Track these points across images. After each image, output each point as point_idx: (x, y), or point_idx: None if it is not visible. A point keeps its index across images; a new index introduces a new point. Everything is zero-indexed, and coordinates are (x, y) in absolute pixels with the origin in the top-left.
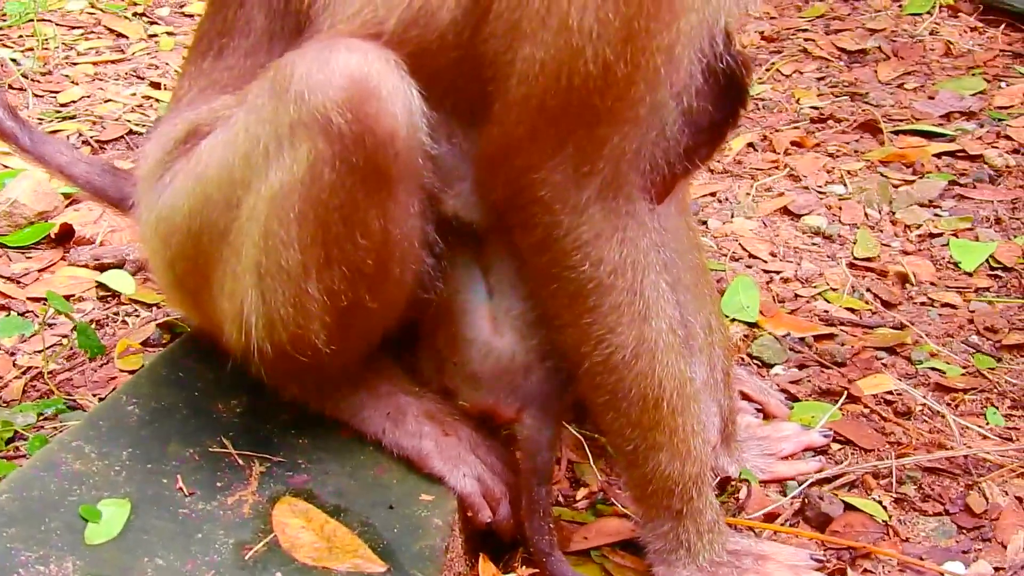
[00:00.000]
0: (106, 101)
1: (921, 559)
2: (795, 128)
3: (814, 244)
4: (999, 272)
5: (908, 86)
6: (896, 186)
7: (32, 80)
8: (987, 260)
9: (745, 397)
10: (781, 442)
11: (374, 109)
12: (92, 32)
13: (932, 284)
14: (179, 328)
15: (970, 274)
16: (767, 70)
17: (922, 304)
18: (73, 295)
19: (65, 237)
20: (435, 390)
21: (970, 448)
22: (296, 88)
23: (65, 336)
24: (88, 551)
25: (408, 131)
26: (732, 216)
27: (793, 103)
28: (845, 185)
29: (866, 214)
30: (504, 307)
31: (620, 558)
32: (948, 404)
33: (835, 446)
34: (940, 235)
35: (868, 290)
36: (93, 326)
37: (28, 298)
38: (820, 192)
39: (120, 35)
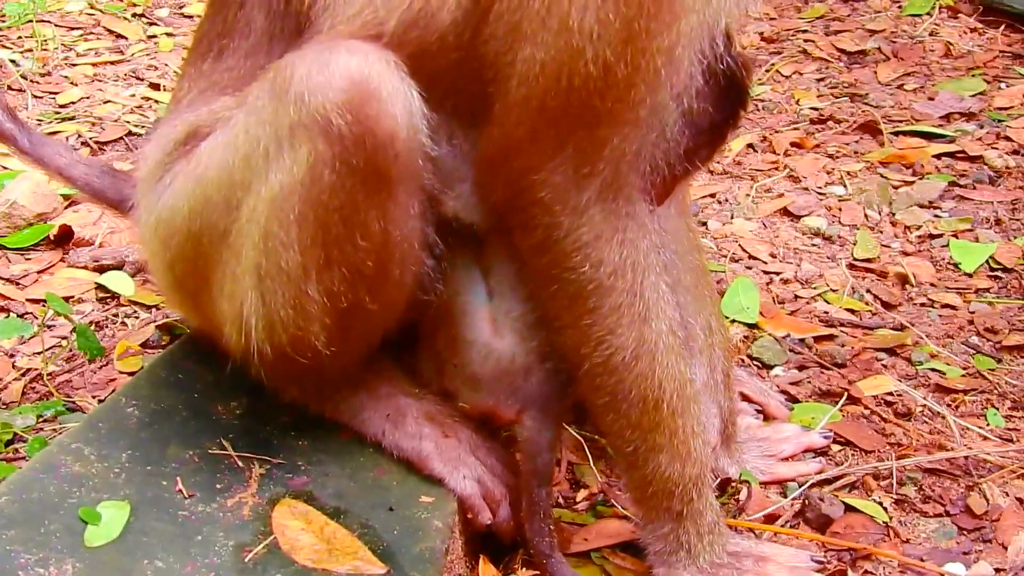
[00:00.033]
0: (105, 102)
1: (922, 560)
2: (795, 129)
3: (814, 245)
4: (999, 273)
5: (908, 87)
6: (896, 187)
7: (31, 81)
8: (987, 261)
9: (745, 398)
10: (781, 443)
11: (374, 111)
12: (91, 33)
13: (932, 285)
14: (179, 330)
15: (970, 275)
16: (767, 71)
17: (922, 305)
18: (72, 297)
19: (64, 239)
20: (435, 392)
21: (970, 449)
22: (296, 90)
23: (64, 338)
24: (88, 553)
25: (408, 133)
26: (732, 217)
27: (793, 104)
28: (845, 186)
29: (866, 215)
30: (504, 309)
31: (620, 560)
32: (948, 405)
33: (835, 447)
34: (940, 236)
35: (868, 291)
36: (92, 328)
37: (27, 300)
38: (820, 193)
39: (119, 36)
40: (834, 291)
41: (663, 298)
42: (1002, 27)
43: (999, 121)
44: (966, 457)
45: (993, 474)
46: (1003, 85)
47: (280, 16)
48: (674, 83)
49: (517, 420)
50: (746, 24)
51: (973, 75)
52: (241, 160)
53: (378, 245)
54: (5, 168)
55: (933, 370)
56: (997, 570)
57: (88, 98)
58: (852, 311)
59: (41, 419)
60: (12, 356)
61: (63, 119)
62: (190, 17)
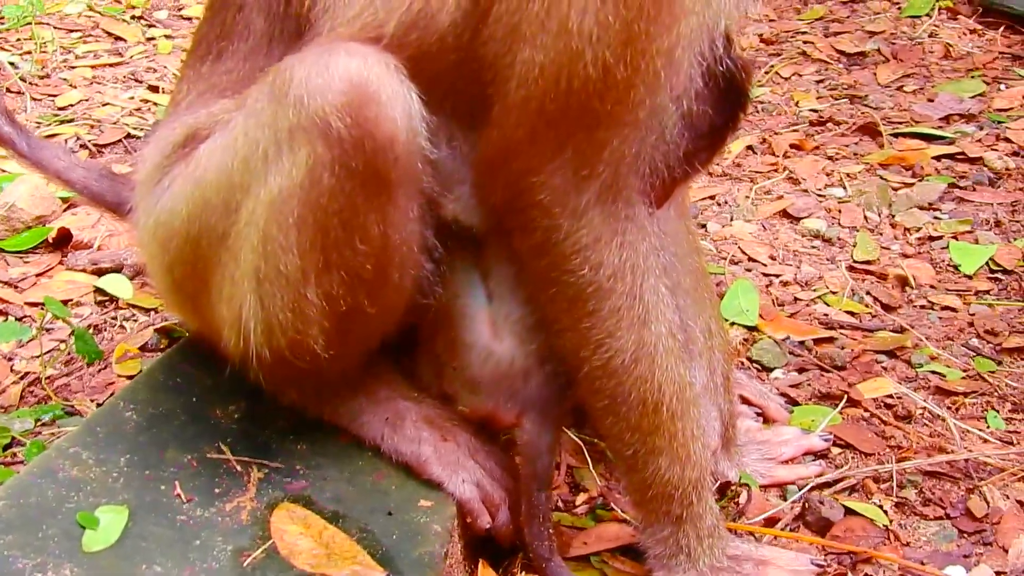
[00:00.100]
0: (104, 104)
1: (922, 563)
2: (794, 131)
3: (814, 247)
4: (999, 275)
5: (907, 88)
6: (896, 189)
7: (30, 83)
8: (987, 263)
9: (745, 401)
10: (781, 446)
11: (373, 113)
12: (90, 35)
13: (932, 287)
14: (177, 333)
15: (970, 277)
16: (766, 73)
17: (922, 307)
18: (71, 300)
19: (63, 241)
20: (434, 395)
21: (971, 452)
22: (295, 92)
23: (63, 341)
24: (86, 558)
25: (408, 135)
26: (731, 219)
27: (792, 106)
28: (844, 188)
29: (865, 217)
30: (503, 312)
31: (620, 563)
32: (948, 408)
33: (835, 450)
34: (940, 238)
35: (868, 293)
36: (91, 331)
37: (26, 303)
38: (819, 195)
39: (118, 38)
40: (834, 293)
41: (663, 301)
42: (1002, 28)
43: (999, 122)
44: (966, 460)
45: (993, 477)
46: (1003, 86)
47: (279, 18)
48: (674, 85)
49: (516, 423)
50: (745, 26)
51: (973, 76)
52: (240, 163)
53: (377, 248)
54: (4, 171)
55: (933, 372)
56: (998, 573)
57: (87, 100)
58: (852, 313)
59: (39, 423)
60: (10, 359)
61: (62, 121)
62: (189, 19)
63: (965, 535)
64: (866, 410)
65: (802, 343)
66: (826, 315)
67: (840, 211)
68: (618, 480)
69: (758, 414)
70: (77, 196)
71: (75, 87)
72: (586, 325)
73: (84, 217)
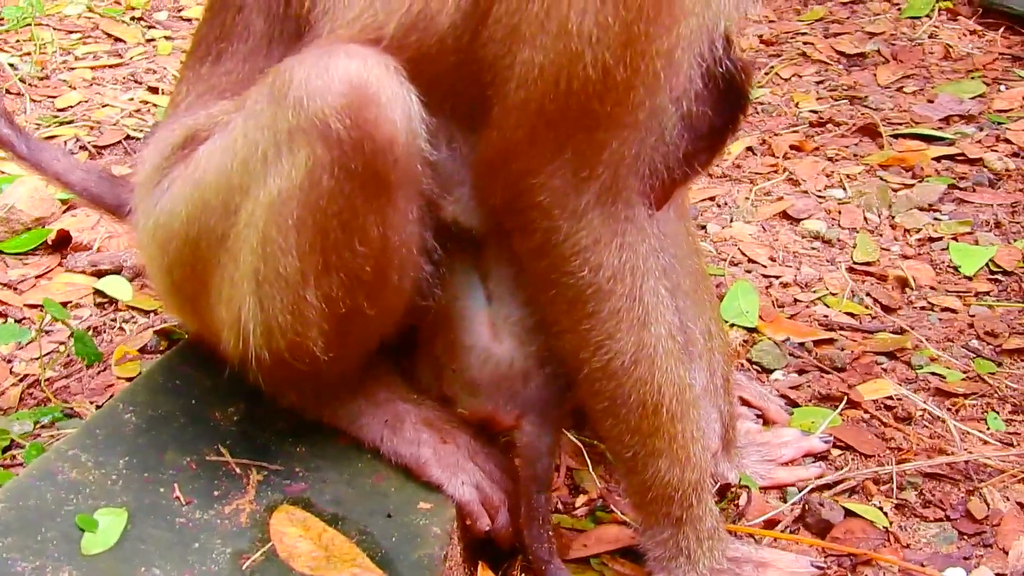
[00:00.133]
0: (104, 106)
1: (922, 565)
2: (794, 132)
3: (813, 248)
4: (999, 276)
5: (907, 89)
6: (895, 190)
7: (30, 85)
8: (987, 264)
9: (745, 403)
10: (781, 448)
11: (373, 115)
12: (90, 36)
13: (932, 288)
14: (176, 335)
15: (970, 278)
16: (766, 74)
17: (922, 308)
18: (70, 302)
19: (62, 243)
20: (434, 397)
21: (971, 453)
22: (295, 94)
23: (62, 343)
24: (85, 561)
25: (407, 137)
26: (731, 221)
27: (792, 107)
28: (844, 189)
29: (865, 218)
30: (503, 313)
31: (620, 565)
32: (948, 409)
33: (835, 452)
34: (940, 239)
35: (868, 295)
36: (90, 333)
37: (25, 305)
38: (819, 196)
39: (118, 39)
40: (834, 295)
41: (662, 302)
42: (1002, 29)
43: (999, 123)
44: (966, 461)
45: (993, 478)
46: (1003, 87)
47: (279, 20)
48: (673, 86)
49: (516, 425)
50: (745, 27)
51: (973, 77)
52: (239, 164)
53: (377, 250)
54: (3, 172)
55: (933, 374)
56: (998, 575)
57: (86, 102)
58: (852, 315)
59: (38, 425)
60: (10, 361)
61: (61, 123)
62: (189, 20)
63: (965, 537)
64: (866, 412)
65: (802, 344)
66: (826, 316)
67: (840, 212)
68: (618, 482)
69: (758, 416)
70: (76, 198)
71: (75, 88)
72: (586, 327)
73: (83, 219)
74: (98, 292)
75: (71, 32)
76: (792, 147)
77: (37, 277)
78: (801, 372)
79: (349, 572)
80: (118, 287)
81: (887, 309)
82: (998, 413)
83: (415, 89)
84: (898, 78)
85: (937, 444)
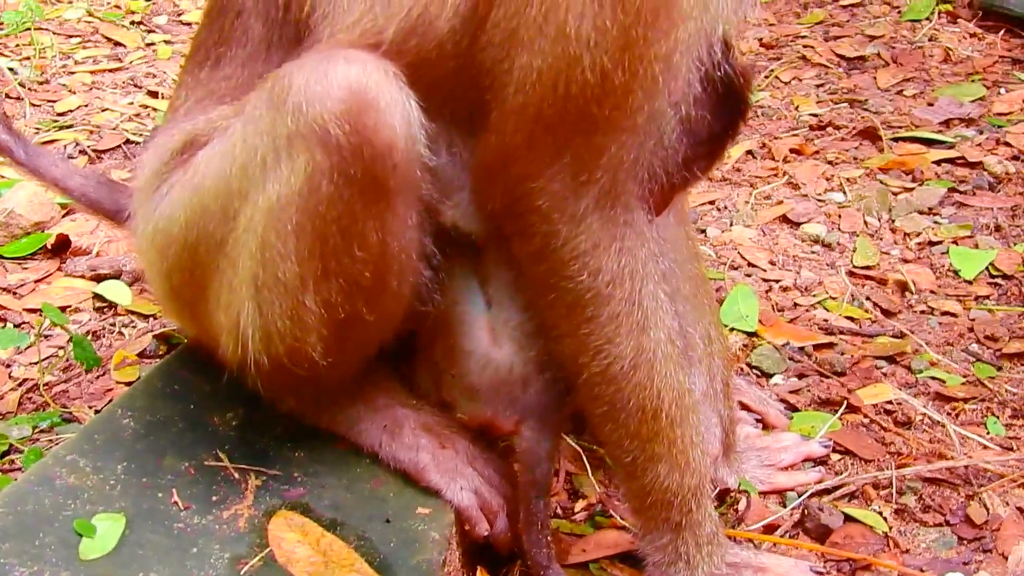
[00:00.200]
0: (103, 110)
1: (922, 571)
2: (794, 135)
3: (813, 252)
4: (999, 280)
5: (907, 93)
6: (895, 193)
7: (29, 89)
8: (987, 268)
9: (744, 407)
10: (780, 453)
11: (372, 121)
12: (89, 41)
13: (932, 292)
14: (175, 339)
15: (970, 282)
16: (766, 77)
17: (922, 312)
18: (69, 306)
19: (61, 248)
20: (433, 402)
21: (971, 458)
22: (294, 99)
23: (61, 348)
24: (82, 566)
25: (406, 143)
26: (731, 224)
27: (792, 110)
28: (844, 193)
29: (865, 222)
30: (502, 318)
31: (619, 570)
32: (948, 414)
33: (835, 456)
34: (940, 243)
35: (868, 299)
36: (89, 337)
37: (24, 309)
38: (819, 200)
39: (117, 44)
40: (833, 299)
41: (661, 307)
42: (1002, 32)
43: (999, 127)
44: (966, 466)
45: (993, 483)
46: (1003, 90)
47: (278, 24)
48: (672, 90)
49: (515, 430)
50: (745, 30)
51: (973, 80)
52: (238, 170)
53: (376, 256)
54: (2, 177)
55: (933, 378)
56: None
57: (86, 106)
58: (852, 319)
59: (37, 430)
60: (8, 366)
61: (61, 127)
62: (188, 24)
63: (965, 542)
64: (866, 416)
65: (802, 349)
66: (826, 321)
67: (840, 216)
68: (617, 487)
69: (758, 420)
70: (75, 204)
71: (74, 93)
72: (585, 331)
73: (83, 223)
74: (97, 296)
75: (71, 36)
76: (792, 151)
77: (36, 281)
78: (801, 376)
79: None
80: (117, 291)
81: (887, 313)
82: (998, 417)
83: (414, 94)
84: (898, 81)
85: (937, 449)
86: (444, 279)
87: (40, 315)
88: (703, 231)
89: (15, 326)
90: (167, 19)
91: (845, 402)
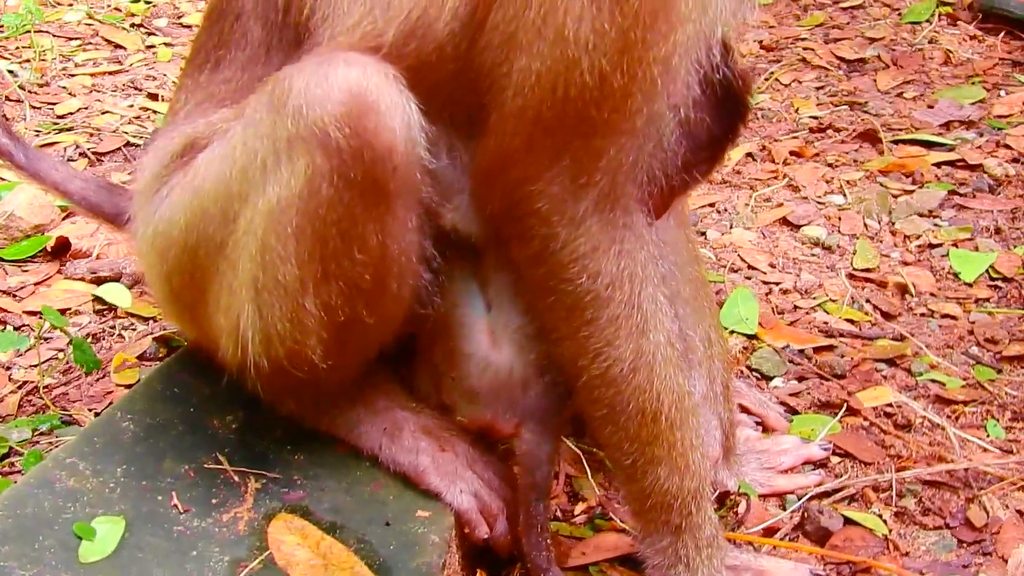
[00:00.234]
0: (103, 113)
1: (922, 573)
2: (794, 138)
3: (813, 255)
4: (999, 282)
5: (907, 95)
6: (895, 196)
7: (29, 92)
8: (987, 270)
9: (744, 410)
10: (780, 455)
11: (372, 123)
12: (90, 43)
13: (932, 295)
14: (175, 342)
15: (970, 284)
16: (766, 79)
17: (922, 315)
18: (69, 309)
19: (61, 250)
20: (432, 405)
21: (970, 461)
22: (294, 102)
23: (61, 350)
24: (82, 569)
25: (406, 146)
26: (731, 227)
27: (792, 113)
28: (844, 195)
29: (865, 224)
30: (502, 321)
31: (618, 573)
32: (948, 416)
33: (835, 459)
34: (940, 245)
35: (868, 301)
36: (89, 340)
37: (24, 312)
38: (819, 202)
39: (118, 46)
40: (833, 301)
41: (661, 310)
42: (1002, 34)
43: (999, 129)
44: (966, 469)
45: (993, 486)
46: (1003, 93)
47: (278, 27)
48: (671, 93)
49: (515, 433)
50: (745, 32)
51: (973, 83)
52: (239, 172)
53: (376, 259)
54: (2, 179)
55: (933, 381)
56: None
57: (86, 109)
58: (852, 321)
59: (37, 432)
60: (8, 369)
61: (61, 130)
62: (188, 27)
63: (964, 545)
64: (866, 419)
65: (802, 351)
66: (826, 323)
67: (840, 218)
68: (617, 490)
69: (757, 423)
70: (75, 207)
71: (74, 95)
72: (584, 334)
73: (83, 226)
74: (97, 299)
75: (71, 39)
76: (792, 153)
77: (36, 284)
78: (801, 379)
79: None
80: (117, 294)
81: (887, 316)
82: (998, 420)
83: (414, 97)
84: (898, 83)
85: (937, 451)
86: (444, 282)
87: (40, 318)
88: (703, 233)
89: (15, 329)
90: (167, 22)
91: (845, 405)
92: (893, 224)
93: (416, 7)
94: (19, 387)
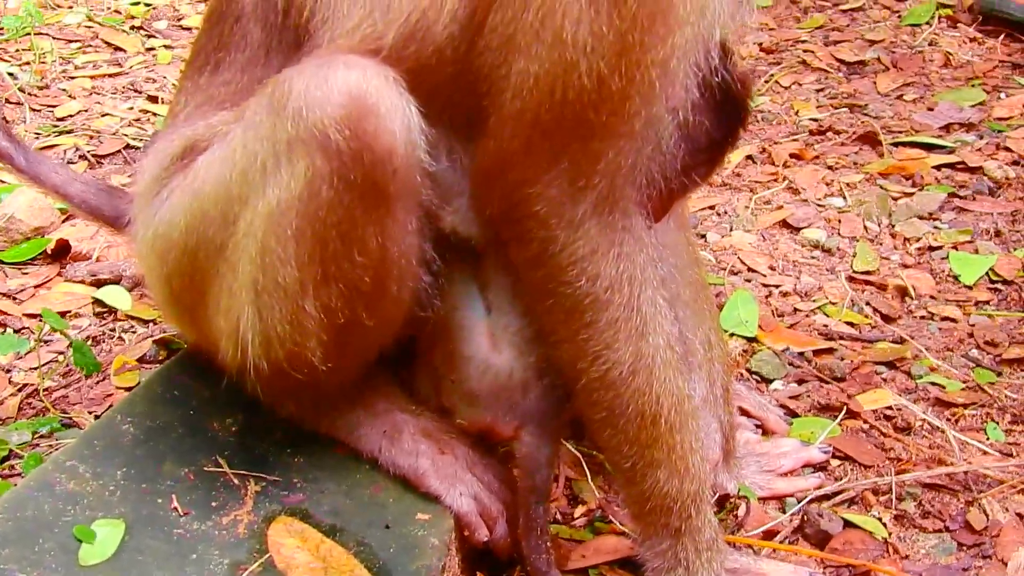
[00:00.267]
0: (103, 115)
1: None
2: (794, 140)
3: (813, 257)
4: (999, 285)
5: (907, 97)
6: (895, 198)
7: (29, 94)
8: (987, 273)
9: (744, 413)
10: (780, 458)
11: (372, 126)
12: (89, 46)
13: (932, 298)
14: (175, 344)
15: (970, 287)
16: (766, 82)
17: (922, 318)
18: (69, 311)
19: (61, 253)
20: (432, 408)
21: (970, 464)
22: (294, 105)
23: (61, 353)
24: (82, 572)
25: (406, 148)
26: (731, 229)
27: (792, 115)
28: (844, 198)
29: (865, 227)
30: (502, 324)
31: None
32: (948, 419)
33: (834, 462)
34: (940, 248)
35: (867, 304)
36: (89, 342)
37: (24, 314)
38: (819, 205)
39: (118, 49)
40: (833, 304)
41: (660, 312)
42: (1002, 36)
43: (999, 131)
44: (966, 472)
45: (993, 489)
46: (1003, 95)
47: (277, 29)
48: (669, 96)
49: (515, 436)
50: (744, 35)
51: (973, 85)
52: (238, 175)
53: (376, 261)
54: (2, 182)
55: (933, 384)
56: None
57: (86, 111)
58: (851, 324)
59: (37, 435)
60: (8, 371)
61: (61, 132)
62: (188, 29)
63: (964, 548)
64: (865, 422)
65: (801, 354)
66: (826, 326)
67: (840, 221)
68: (616, 492)
69: (757, 426)
70: (75, 210)
71: (74, 98)
72: (583, 337)
73: (83, 228)
74: (97, 302)
75: (71, 41)
76: (792, 155)
77: (36, 287)
78: (800, 382)
79: None
80: (117, 297)
81: (887, 318)
82: (998, 423)
83: (414, 100)
84: (898, 86)
85: (936, 454)
86: (444, 284)
87: (40, 320)
88: (703, 236)
89: (15, 331)
90: (167, 24)
91: (845, 408)
92: (893, 226)
93: (415, 10)
94: (19, 390)
